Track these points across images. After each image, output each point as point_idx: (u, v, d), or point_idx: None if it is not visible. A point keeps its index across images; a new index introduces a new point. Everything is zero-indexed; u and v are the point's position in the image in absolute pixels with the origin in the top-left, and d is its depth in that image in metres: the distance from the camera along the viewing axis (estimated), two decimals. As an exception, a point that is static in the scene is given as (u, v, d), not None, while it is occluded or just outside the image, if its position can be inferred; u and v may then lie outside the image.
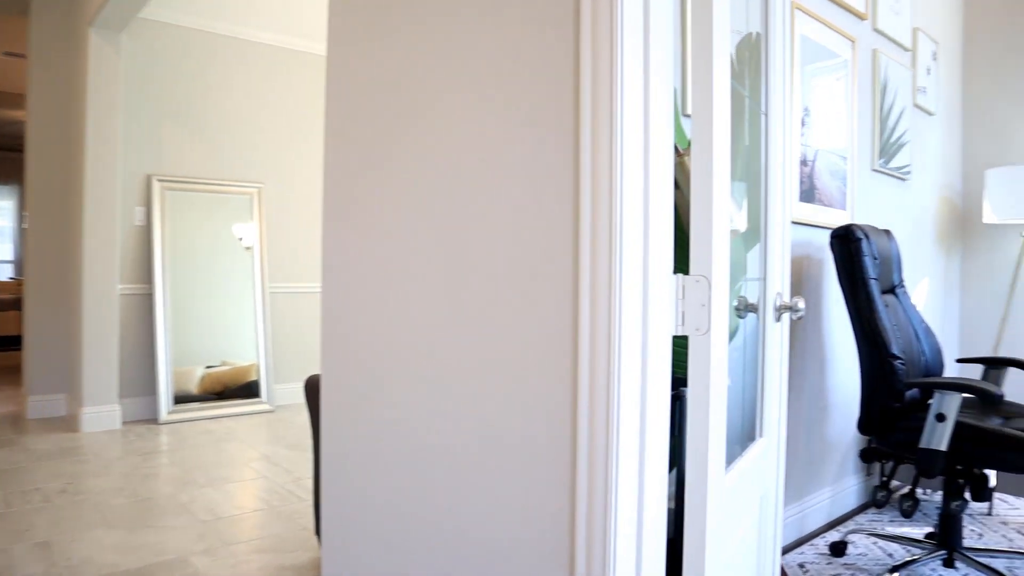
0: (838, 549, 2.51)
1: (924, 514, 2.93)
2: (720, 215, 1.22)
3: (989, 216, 3.51)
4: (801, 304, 1.62)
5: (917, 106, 3.42)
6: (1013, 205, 3.39)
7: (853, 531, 2.50)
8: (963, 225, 3.97)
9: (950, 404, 2.13)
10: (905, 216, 3.40)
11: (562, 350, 1.18)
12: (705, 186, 1.21)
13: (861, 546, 2.59)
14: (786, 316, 1.78)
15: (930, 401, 2.49)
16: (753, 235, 1.78)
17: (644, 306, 1.14)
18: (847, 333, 2.96)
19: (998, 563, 2.44)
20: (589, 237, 1.14)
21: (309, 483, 3.30)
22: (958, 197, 3.95)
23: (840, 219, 2.86)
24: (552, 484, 1.19)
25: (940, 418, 2.14)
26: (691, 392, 1.21)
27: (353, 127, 1.60)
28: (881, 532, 2.47)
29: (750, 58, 1.66)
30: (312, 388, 2.28)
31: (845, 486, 2.94)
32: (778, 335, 1.72)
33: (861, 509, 3.00)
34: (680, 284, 1.21)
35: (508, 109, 1.26)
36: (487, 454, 1.29)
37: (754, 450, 1.56)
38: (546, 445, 1.20)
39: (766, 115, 1.59)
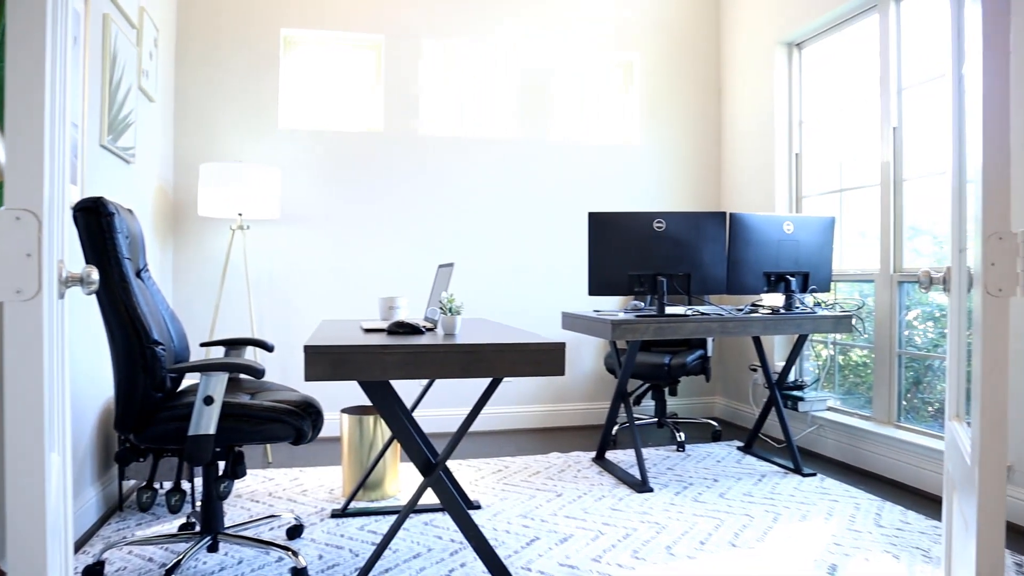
0: (95, 573, 2.18)
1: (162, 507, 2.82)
2: (60, 123, 0.85)
3: (203, 209, 3.65)
4: (95, 275, 1.31)
5: (141, 89, 3.29)
6: (223, 200, 3.61)
7: (106, 548, 2.21)
8: (177, 216, 4.03)
9: (217, 386, 2.10)
10: (131, 200, 3.22)
11: None
12: (34, 73, 0.82)
13: (118, 562, 2.31)
14: (73, 292, 1.42)
15: (182, 388, 2.41)
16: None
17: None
18: (76, 321, 2.60)
19: (249, 532, 2.54)
20: None
21: None
22: (171, 188, 3.98)
23: (73, 194, 2.49)
24: None
25: (208, 401, 2.09)
26: (12, 396, 0.80)
27: None
28: (135, 539, 2.26)
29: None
30: None
31: (85, 500, 2.58)
32: (59, 318, 1.35)
33: (103, 521, 2.68)
34: (-13, 228, 0.79)
35: None
36: None
37: (54, 468, 1.17)
38: None
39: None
